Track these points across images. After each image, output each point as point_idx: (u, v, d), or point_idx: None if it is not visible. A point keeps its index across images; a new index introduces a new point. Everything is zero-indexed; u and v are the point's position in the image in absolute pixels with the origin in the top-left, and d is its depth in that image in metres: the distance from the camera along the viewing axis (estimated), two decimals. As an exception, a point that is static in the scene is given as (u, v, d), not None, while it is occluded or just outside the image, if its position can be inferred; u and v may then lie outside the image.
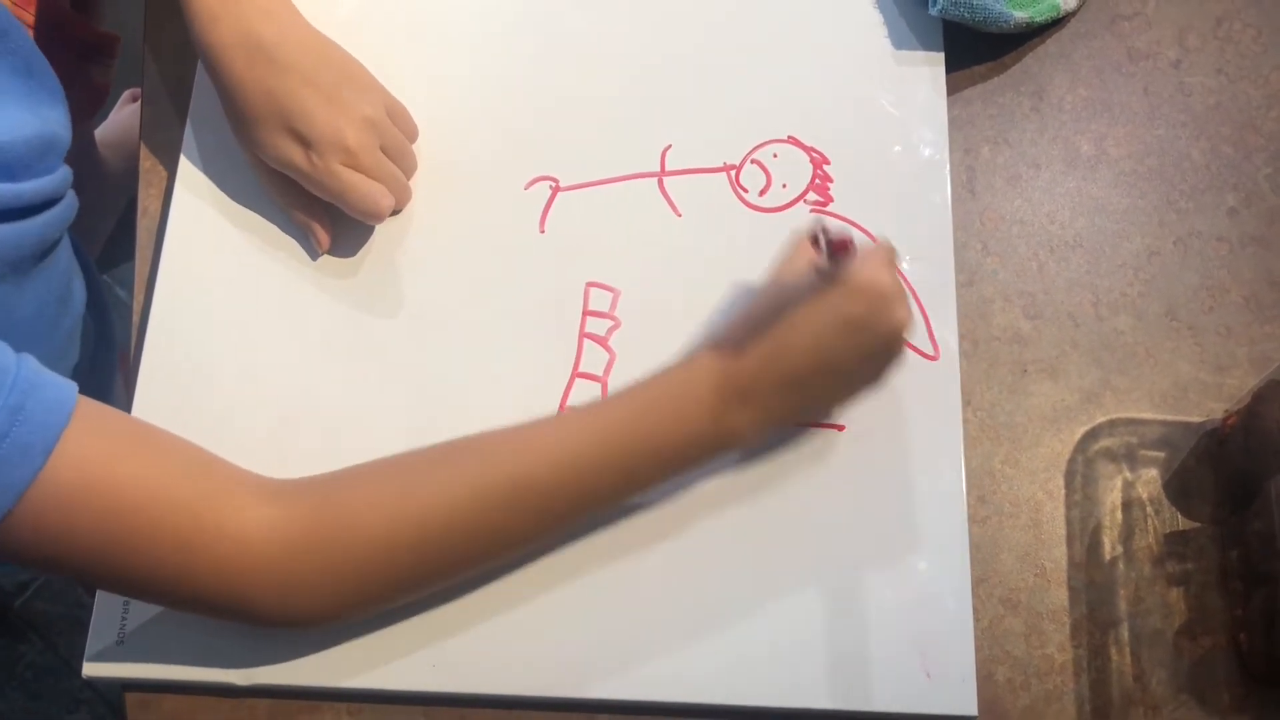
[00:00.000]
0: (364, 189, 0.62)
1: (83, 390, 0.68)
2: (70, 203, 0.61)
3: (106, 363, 0.75)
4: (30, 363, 0.48)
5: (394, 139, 0.64)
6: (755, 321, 0.56)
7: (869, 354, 0.56)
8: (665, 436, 0.55)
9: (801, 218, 0.67)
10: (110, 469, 0.49)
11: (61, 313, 0.65)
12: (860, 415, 0.62)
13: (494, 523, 0.55)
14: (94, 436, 0.49)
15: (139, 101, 0.77)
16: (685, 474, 0.59)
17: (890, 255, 0.57)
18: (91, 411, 0.49)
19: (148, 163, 0.71)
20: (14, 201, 0.56)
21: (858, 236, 0.60)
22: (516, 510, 0.55)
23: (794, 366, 0.55)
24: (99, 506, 0.48)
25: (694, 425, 0.55)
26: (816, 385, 0.57)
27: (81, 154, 0.62)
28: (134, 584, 0.52)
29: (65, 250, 0.65)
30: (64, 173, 0.60)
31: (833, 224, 0.55)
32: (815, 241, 0.57)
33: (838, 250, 0.54)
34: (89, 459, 0.48)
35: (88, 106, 0.96)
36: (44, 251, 0.61)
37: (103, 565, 0.50)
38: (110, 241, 1.35)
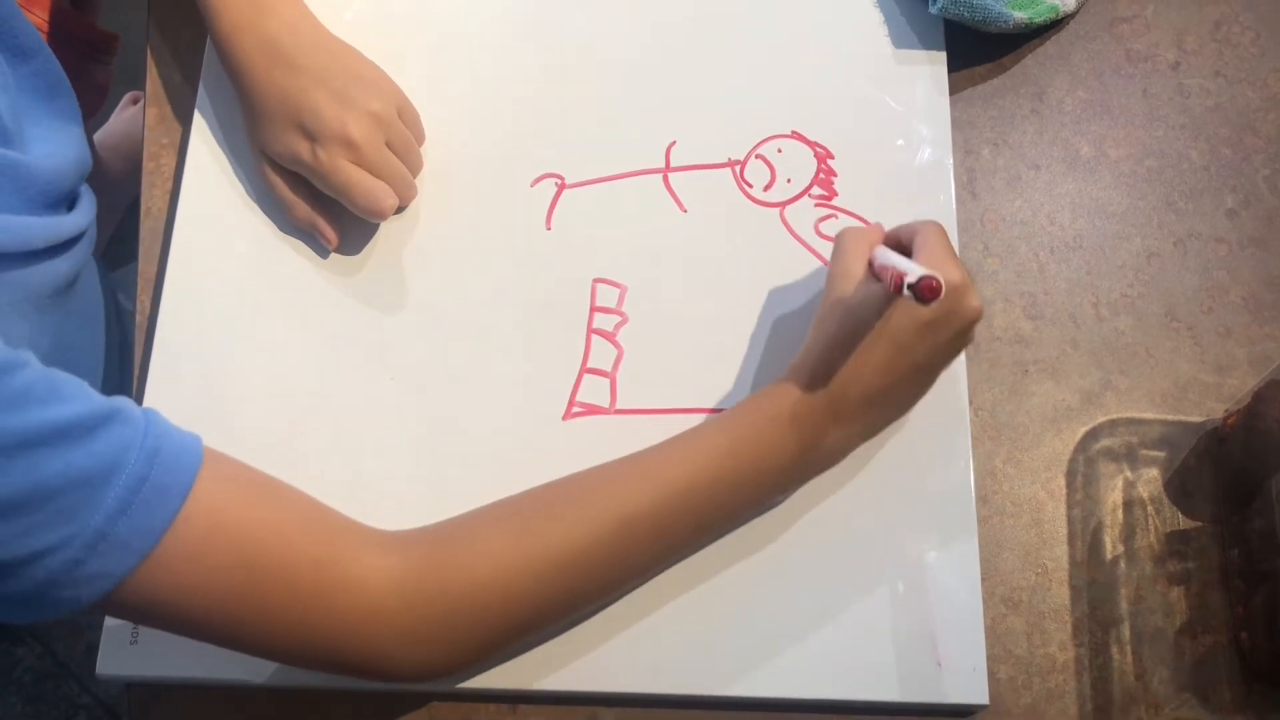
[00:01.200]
0: (367, 185, 0.63)
1: (107, 381, 0.69)
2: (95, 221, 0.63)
3: (126, 355, 0.76)
4: (156, 412, 0.48)
5: (400, 136, 0.65)
6: (836, 342, 0.56)
7: (947, 347, 0.57)
8: (764, 463, 0.56)
9: (806, 212, 0.67)
10: (239, 516, 0.48)
11: (95, 322, 0.66)
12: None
13: (605, 560, 0.55)
14: (223, 483, 0.48)
15: (139, 104, 0.77)
16: (785, 493, 0.60)
17: (945, 242, 0.57)
18: (217, 459, 0.49)
19: (151, 164, 0.71)
20: (69, 231, 0.57)
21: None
22: (626, 546, 0.55)
23: (880, 381, 0.55)
24: (228, 554, 0.48)
25: (792, 450, 0.56)
26: (902, 390, 0.57)
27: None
28: (257, 638, 0.50)
29: (92, 265, 0.67)
30: (90, 195, 0.62)
31: (905, 265, 0.51)
32: (875, 269, 0.56)
33: (926, 295, 0.49)
34: (219, 506, 0.48)
35: (89, 106, 0.97)
36: (79, 272, 0.62)
37: (227, 617, 0.49)
38: (108, 246, 1.35)
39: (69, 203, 0.61)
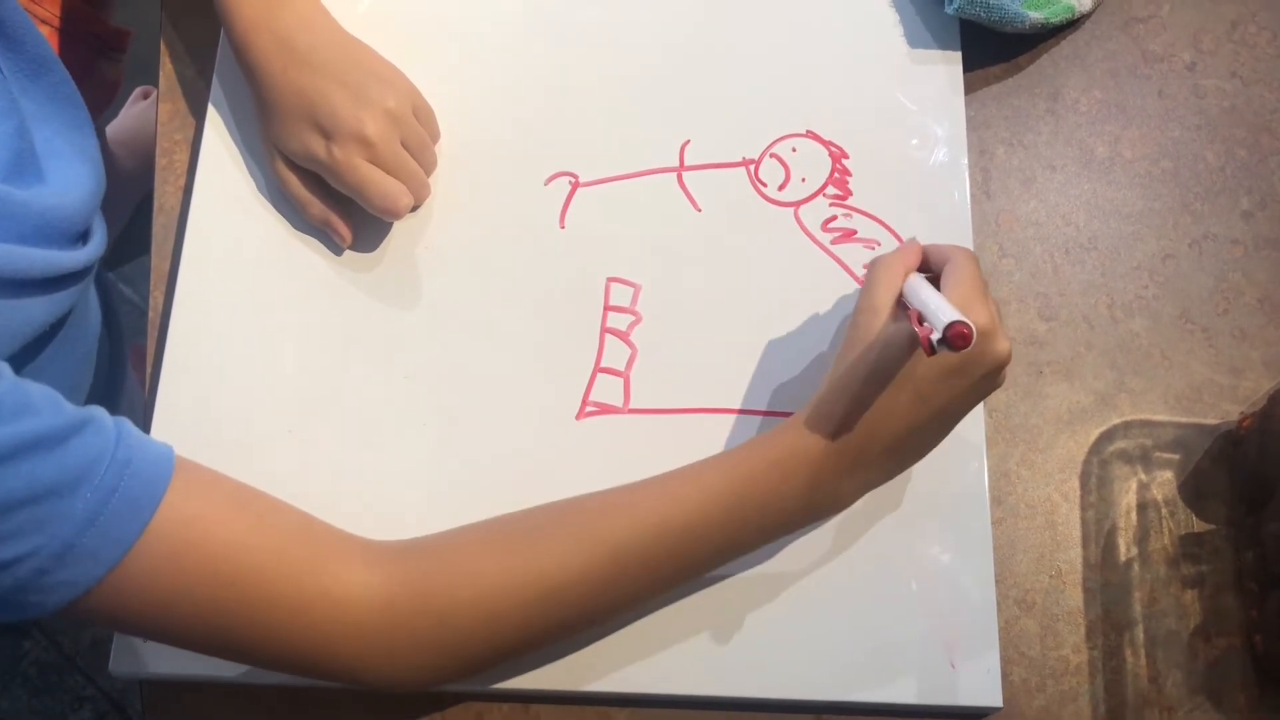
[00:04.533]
0: (383, 184, 0.62)
1: (94, 389, 0.69)
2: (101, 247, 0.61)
3: (118, 356, 0.75)
4: (128, 423, 0.48)
5: (415, 134, 0.64)
6: (862, 388, 0.53)
7: (973, 391, 0.54)
8: (770, 507, 0.54)
9: (821, 212, 0.67)
10: (212, 529, 0.48)
11: (79, 335, 0.65)
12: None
13: (594, 591, 0.54)
14: (196, 495, 0.48)
15: (150, 99, 0.77)
16: (787, 535, 0.59)
17: (976, 275, 0.54)
18: (192, 471, 0.49)
19: (164, 160, 0.71)
20: (71, 265, 0.56)
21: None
22: (617, 580, 0.54)
23: (904, 429, 0.53)
24: (201, 566, 0.47)
25: (800, 497, 0.54)
26: (924, 437, 0.55)
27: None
28: (235, 648, 0.51)
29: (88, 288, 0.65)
30: (103, 228, 0.61)
31: (935, 307, 0.49)
32: (906, 309, 0.54)
33: (956, 344, 0.47)
34: (191, 518, 0.47)
35: (98, 103, 0.96)
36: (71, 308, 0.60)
37: (204, 629, 0.49)
38: (116, 242, 1.35)
39: (80, 238, 0.59)
